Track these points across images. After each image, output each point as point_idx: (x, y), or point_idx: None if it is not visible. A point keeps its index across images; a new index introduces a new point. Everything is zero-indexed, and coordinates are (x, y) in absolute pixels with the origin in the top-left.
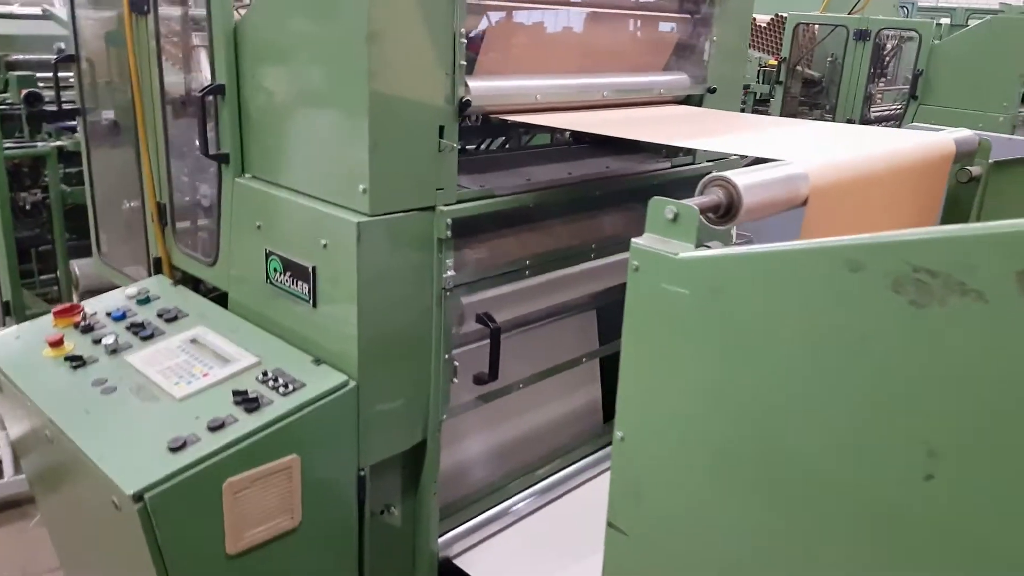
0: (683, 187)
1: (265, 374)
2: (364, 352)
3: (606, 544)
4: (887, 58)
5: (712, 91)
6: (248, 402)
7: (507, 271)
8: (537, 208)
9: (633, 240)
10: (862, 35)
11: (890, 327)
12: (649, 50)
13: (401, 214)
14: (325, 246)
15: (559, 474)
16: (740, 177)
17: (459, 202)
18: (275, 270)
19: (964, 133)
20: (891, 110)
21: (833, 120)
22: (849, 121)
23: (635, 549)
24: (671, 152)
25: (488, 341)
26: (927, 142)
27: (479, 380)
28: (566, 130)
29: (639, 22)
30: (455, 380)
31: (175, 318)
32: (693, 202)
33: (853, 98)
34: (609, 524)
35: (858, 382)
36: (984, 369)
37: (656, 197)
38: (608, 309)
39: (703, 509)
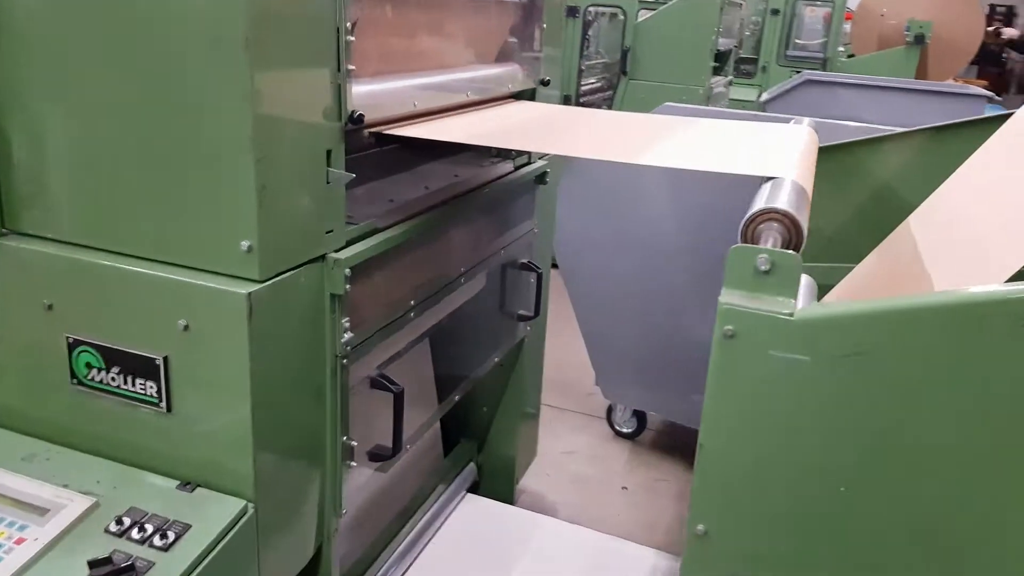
0: (527, 189)
1: (120, 521)
2: (261, 463)
3: None
4: (591, 34)
5: (545, 83)
6: (119, 574)
7: (397, 317)
8: (417, 233)
9: (722, 300)
10: (572, 12)
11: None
12: (491, 40)
13: (290, 272)
14: (186, 328)
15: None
16: (786, 206)
17: (349, 243)
18: (90, 365)
19: (804, 123)
20: (598, 84)
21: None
22: (565, 97)
23: None
24: (503, 152)
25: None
26: (810, 138)
27: (379, 456)
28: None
29: (485, 8)
30: (352, 463)
31: None
32: (770, 241)
33: (568, 73)
34: None
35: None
36: None
37: (739, 245)
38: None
39: None
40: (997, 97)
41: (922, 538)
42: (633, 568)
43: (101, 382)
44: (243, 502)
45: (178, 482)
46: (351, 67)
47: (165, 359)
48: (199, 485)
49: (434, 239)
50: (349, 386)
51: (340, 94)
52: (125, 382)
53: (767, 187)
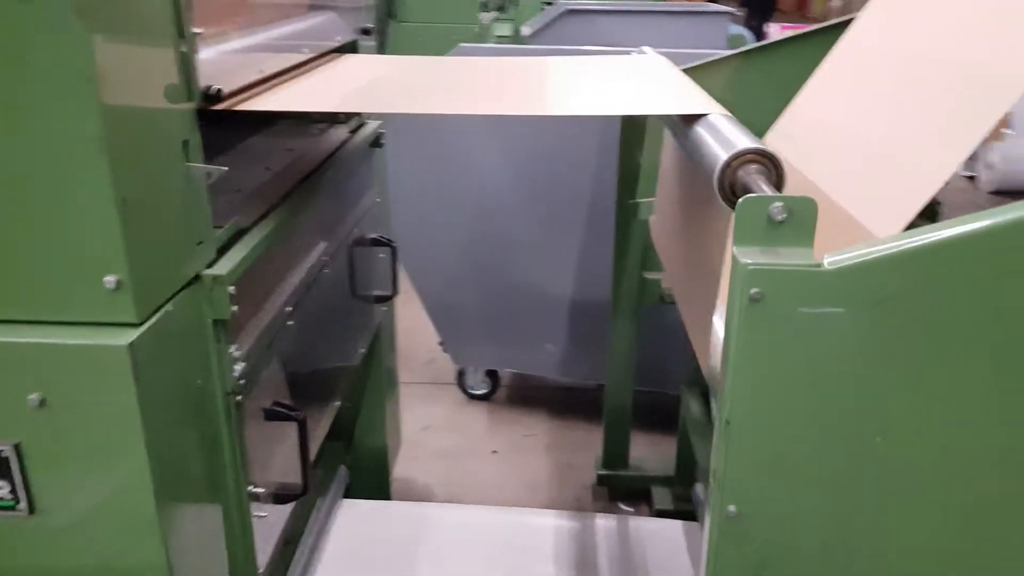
0: (365, 156)
1: None
2: (173, 548)
3: None
4: None
5: (368, 32)
6: None
7: (279, 330)
8: (283, 226)
9: (743, 262)
10: None
11: None
12: None
13: (168, 304)
14: (42, 403)
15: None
16: (755, 143)
17: (220, 253)
18: None
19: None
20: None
21: None
22: None
23: None
24: (330, 116)
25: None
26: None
27: (287, 497)
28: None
29: None
30: (262, 514)
31: None
32: (764, 187)
33: None
34: None
35: None
36: None
37: (749, 196)
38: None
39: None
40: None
41: (960, 485)
42: (540, 536)
43: None
44: None
45: None
46: (197, 30)
47: (16, 447)
48: None
49: (294, 229)
50: (244, 425)
51: (187, 66)
52: None
53: (700, 128)
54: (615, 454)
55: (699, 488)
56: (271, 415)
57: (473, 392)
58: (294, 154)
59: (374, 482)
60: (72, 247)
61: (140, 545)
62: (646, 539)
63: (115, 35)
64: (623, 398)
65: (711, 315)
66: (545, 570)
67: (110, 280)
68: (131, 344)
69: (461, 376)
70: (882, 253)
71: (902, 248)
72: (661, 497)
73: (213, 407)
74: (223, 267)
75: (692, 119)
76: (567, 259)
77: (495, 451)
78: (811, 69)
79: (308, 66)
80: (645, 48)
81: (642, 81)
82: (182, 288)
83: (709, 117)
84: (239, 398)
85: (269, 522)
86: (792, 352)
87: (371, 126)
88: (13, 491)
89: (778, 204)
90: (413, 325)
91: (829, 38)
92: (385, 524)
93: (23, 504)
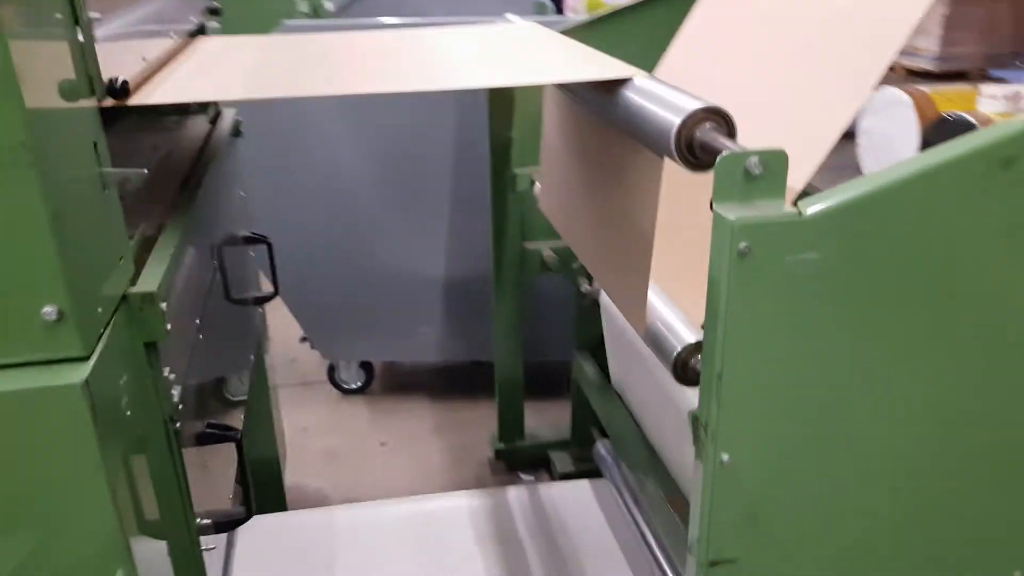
0: (228, 147)
1: None
2: None
3: None
4: None
5: (216, 11)
6: None
7: (194, 344)
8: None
9: (728, 217)
10: None
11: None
12: None
13: (106, 332)
14: None
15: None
16: (699, 102)
17: (139, 266)
18: None
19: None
20: None
21: None
22: None
23: (748, 572)
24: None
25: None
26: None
27: (230, 524)
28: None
29: None
30: (211, 547)
31: None
32: (729, 143)
33: None
34: (712, 563)
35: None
36: None
37: (728, 152)
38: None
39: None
40: None
41: (944, 425)
42: (455, 519)
43: None
44: None
45: None
46: (94, 15)
47: None
48: None
49: (194, 234)
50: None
51: (89, 58)
52: None
53: (630, 92)
54: (510, 427)
55: (601, 446)
56: (206, 438)
57: (347, 387)
58: (161, 151)
59: (269, 495)
60: (4, 276)
61: None
62: (559, 502)
63: (22, 28)
64: (514, 370)
65: (643, 274)
66: (470, 551)
67: (49, 311)
68: (85, 381)
69: (332, 372)
70: (853, 196)
71: (871, 189)
72: (562, 461)
73: (156, 438)
74: (150, 283)
75: (616, 84)
76: (434, 238)
77: (383, 443)
78: (670, 32)
79: (177, 51)
80: (510, 15)
81: (540, 48)
82: (115, 311)
83: (635, 81)
84: (178, 424)
85: (215, 555)
86: (779, 301)
87: (229, 115)
88: None
89: (754, 158)
90: (268, 323)
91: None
92: (292, 537)
93: None
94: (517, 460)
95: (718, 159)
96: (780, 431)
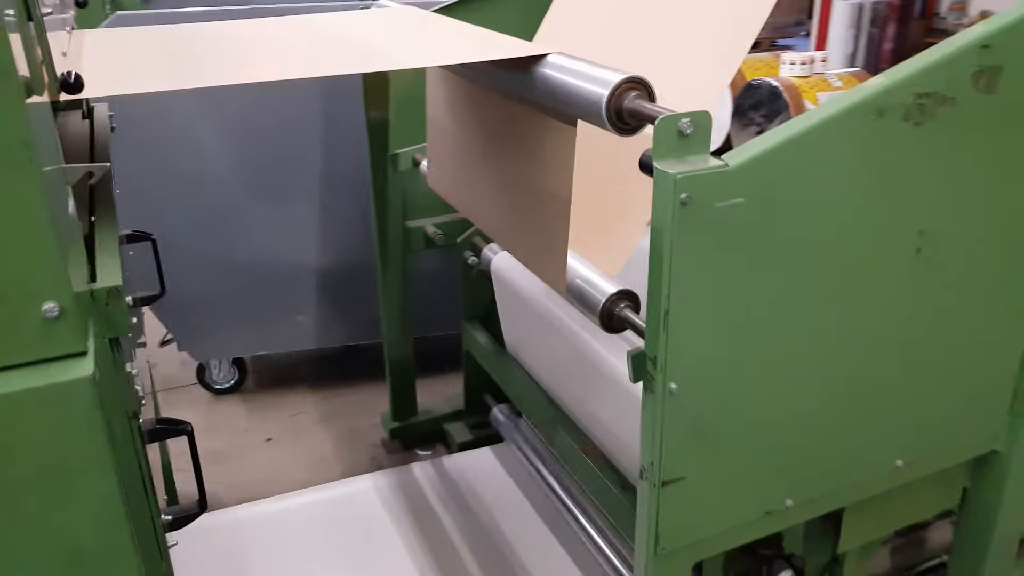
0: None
1: None
2: None
3: (661, 502)
4: None
5: (83, 4)
6: None
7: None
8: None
9: (670, 172)
10: None
11: (901, 150)
12: None
13: (92, 328)
14: None
15: None
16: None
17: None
18: None
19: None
20: None
21: None
22: None
23: (698, 488)
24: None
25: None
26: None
27: (186, 519)
28: None
29: None
30: (174, 543)
31: None
32: (657, 108)
33: None
34: (664, 483)
35: (889, 207)
36: (958, 158)
37: (665, 115)
38: None
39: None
40: None
41: (849, 327)
42: (366, 502)
43: None
44: None
45: None
46: (46, 9)
47: None
48: None
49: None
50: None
51: (44, 52)
52: None
53: (548, 69)
54: (403, 405)
55: (498, 411)
56: (158, 434)
57: (220, 386)
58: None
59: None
60: (3, 279)
61: None
62: (466, 471)
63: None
64: (404, 348)
65: (562, 237)
66: (387, 529)
67: (50, 308)
68: (93, 375)
69: (202, 373)
70: (766, 148)
71: (780, 141)
72: (459, 431)
73: (125, 434)
74: (112, 277)
75: (531, 61)
76: (304, 226)
77: (269, 439)
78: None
79: (74, 43)
80: (387, 1)
81: (437, 29)
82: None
83: (551, 58)
84: (140, 421)
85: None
86: (714, 243)
87: (102, 109)
88: None
89: (686, 120)
90: None
91: None
92: (200, 542)
93: None
94: (413, 438)
95: (656, 122)
96: (720, 356)
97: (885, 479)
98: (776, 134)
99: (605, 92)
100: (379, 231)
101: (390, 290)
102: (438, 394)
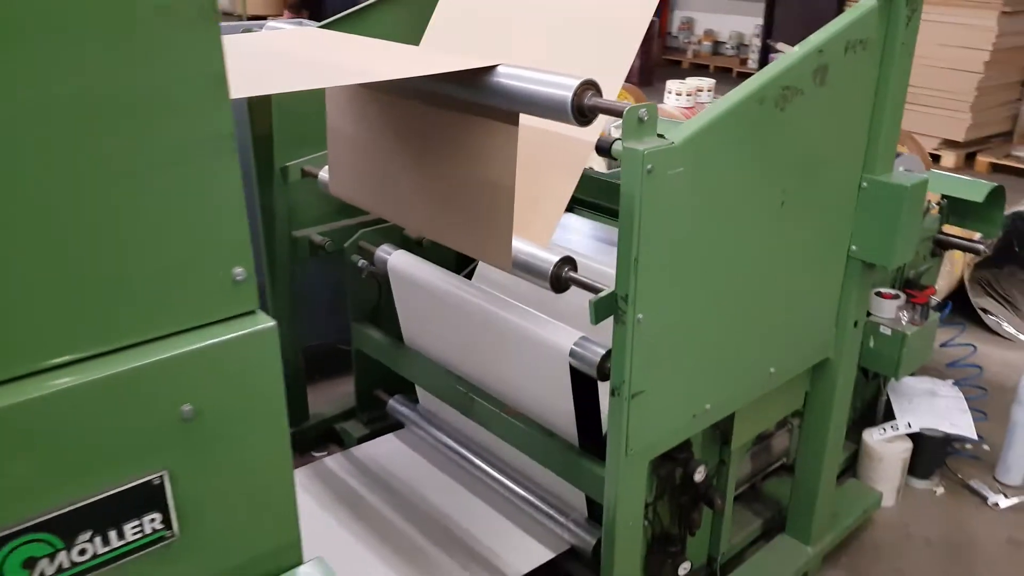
0: None
1: None
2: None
3: (630, 412)
4: None
5: None
6: None
7: None
8: None
9: (639, 149)
10: None
11: (772, 130)
12: None
13: None
14: (193, 413)
15: None
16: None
17: None
18: (33, 562)
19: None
20: None
21: None
22: None
23: (654, 399)
24: None
25: None
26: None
27: None
28: None
29: None
30: None
31: None
32: (614, 103)
33: None
34: (633, 396)
35: (767, 169)
36: (802, 134)
37: (631, 107)
38: None
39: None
40: None
41: (765, 258)
42: None
43: (61, 571)
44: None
45: None
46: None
47: (168, 472)
48: None
49: None
50: None
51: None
52: (106, 542)
53: (502, 79)
54: (296, 411)
55: (395, 402)
56: None
57: None
58: None
59: None
60: (209, 248)
61: (280, 527)
62: (379, 457)
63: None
64: (294, 355)
65: (508, 223)
66: (321, 516)
67: (239, 272)
68: (275, 325)
69: None
70: (694, 129)
71: (704, 123)
72: (355, 428)
73: None
74: None
75: (481, 72)
76: None
77: None
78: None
79: None
80: (271, 22)
81: (367, 47)
82: None
83: (500, 68)
84: None
85: None
86: (667, 202)
87: None
88: (165, 519)
89: (644, 110)
90: None
91: None
92: None
93: (173, 529)
94: (307, 442)
95: (625, 112)
96: (670, 290)
97: (763, 383)
98: (698, 120)
99: (568, 94)
100: (267, 243)
101: (279, 300)
102: (325, 397)
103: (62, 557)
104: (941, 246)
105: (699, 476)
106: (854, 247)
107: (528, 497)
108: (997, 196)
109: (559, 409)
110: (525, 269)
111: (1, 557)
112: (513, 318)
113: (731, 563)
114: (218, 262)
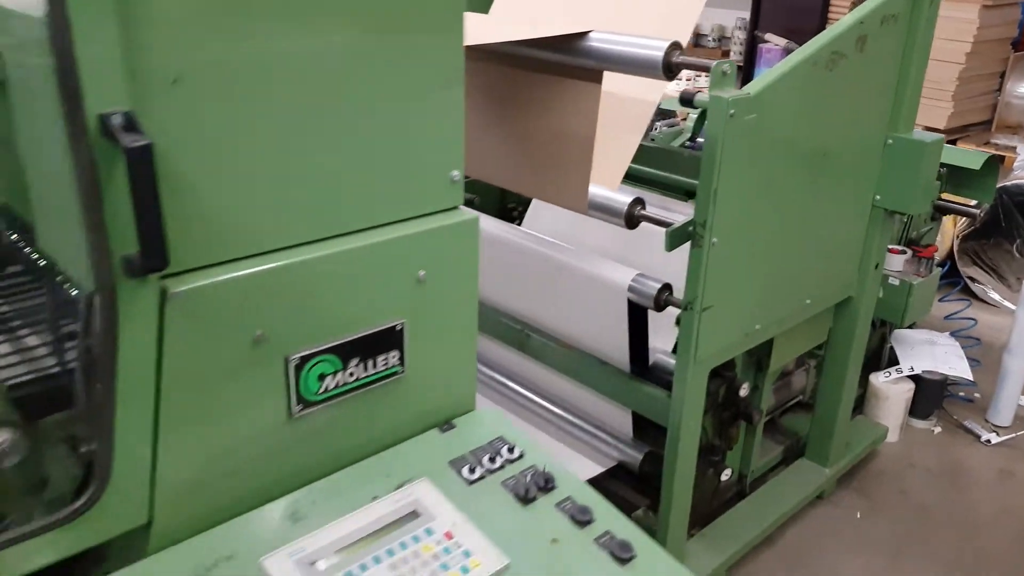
0: None
1: (481, 458)
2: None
3: (700, 325)
4: None
5: None
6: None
7: None
8: None
9: (724, 96)
10: None
11: (821, 88)
12: None
13: None
14: (424, 279)
15: None
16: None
17: None
18: (323, 376)
19: None
20: None
21: None
22: None
23: (719, 314)
24: None
25: None
26: None
27: None
28: None
29: None
30: None
31: None
32: (698, 61)
33: None
34: (704, 310)
35: (815, 123)
36: (843, 95)
37: (717, 63)
38: None
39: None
40: None
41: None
42: None
43: (340, 386)
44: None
45: (436, 429)
46: None
47: (405, 321)
48: (448, 420)
49: None
50: None
51: None
52: (366, 369)
53: (597, 43)
54: None
55: None
56: None
57: None
58: None
59: None
60: (440, 154)
61: (464, 378)
62: None
63: None
64: None
65: (586, 169)
66: None
67: (455, 175)
68: (477, 217)
69: None
70: (765, 84)
71: (772, 79)
72: None
73: None
74: None
75: (577, 36)
76: None
77: None
78: None
79: None
80: None
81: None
82: None
83: (593, 34)
84: None
85: None
86: (745, 143)
87: None
88: (400, 357)
89: (726, 65)
90: None
91: None
92: None
93: (403, 366)
94: None
95: (714, 67)
96: (742, 220)
97: (800, 312)
98: (768, 76)
99: (659, 53)
100: None
101: None
102: None
103: (340, 376)
104: (940, 211)
105: (744, 392)
106: (878, 196)
107: (577, 421)
108: (992, 165)
109: (613, 341)
110: (601, 210)
111: (308, 368)
112: (573, 261)
113: (755, 484)
114: (444, 165)
